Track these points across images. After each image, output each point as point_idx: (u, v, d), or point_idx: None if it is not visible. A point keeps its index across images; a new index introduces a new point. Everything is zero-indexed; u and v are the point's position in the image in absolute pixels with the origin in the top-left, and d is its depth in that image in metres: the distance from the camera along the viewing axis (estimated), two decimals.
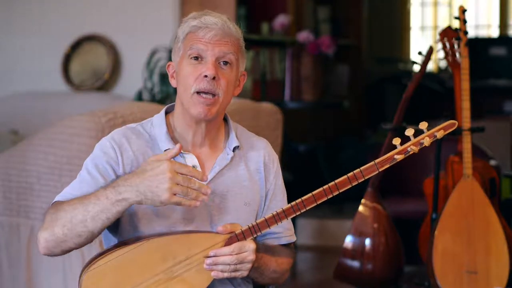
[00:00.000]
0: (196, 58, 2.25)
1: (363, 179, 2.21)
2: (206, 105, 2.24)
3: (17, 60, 5.66)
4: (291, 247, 2.43)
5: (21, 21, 5.64)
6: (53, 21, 5.59)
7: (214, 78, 2.23)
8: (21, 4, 5.64)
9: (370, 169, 2.21)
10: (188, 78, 2.25)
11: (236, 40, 2.28)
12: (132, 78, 5.42)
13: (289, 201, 2.41)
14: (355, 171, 2.21)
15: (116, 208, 2.11)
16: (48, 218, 2.17)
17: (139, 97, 5.21)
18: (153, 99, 5.15)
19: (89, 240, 2.16)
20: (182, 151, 2.29)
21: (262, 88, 6.04)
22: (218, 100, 2.26)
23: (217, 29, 2.24)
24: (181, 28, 2.29)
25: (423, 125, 2.24)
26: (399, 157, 2.22)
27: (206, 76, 2.23)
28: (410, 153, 2.22)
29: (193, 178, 2.12)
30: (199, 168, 2.29)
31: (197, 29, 2.25)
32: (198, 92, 2.24)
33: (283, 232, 2.38)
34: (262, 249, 2.27)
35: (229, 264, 2.17)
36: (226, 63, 2.26)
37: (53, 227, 2.14)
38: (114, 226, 2.26)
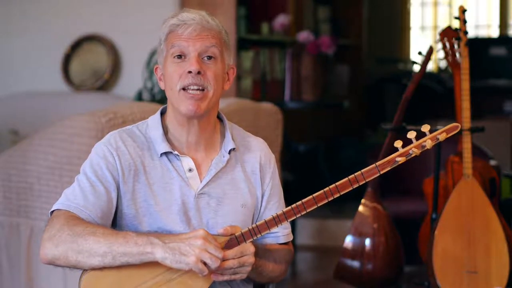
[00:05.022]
0: (180, 56, 2.24)
1: (364, 182, 2.21)
2: (195, 100, 2.22)
3: (17, 60, 5.66)
4: (289, 245, 2.42)
5: (21, 21, 5.64)
6: (53, 21, 5.59)
7: (199, 72, 2.22)
8: (21, 4, 5.64)
9: (371, 172, 2.21)
10: (172, 77, 2.24)
11: (217, 33, 2.26)
12: (132, 78, 5.42)
13: (287, 201, 2.41)
14: (356, 174, 2.20)
15: (140, 257, 2.11)
16: (62, 236, 2.13)
17: (139, 97, 5.20)
18: (153, 99, 5.15)
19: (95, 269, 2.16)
20: (178, 154, 2.28)
21: (262, 88, 6.04)
22: (208, 94, 2.24)
23: (195, 24, 2.23)
24: (161, 30, 2.28)
25: (425, 128, 2.23)
26: (400, 160, 2.21)
27: (190, 72, 2.22)
28: (412, 155, 2.21)
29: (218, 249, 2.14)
30: (195, 171, 2.28)
31: (176, 27, 2.24)
32: (184, 89, 2.23)
33: (281, 232, 2.37)
34: (260, 250, 2.27)
35: (231, 268, 2.17)
36: (210, 57, 2.24)
37: (67, 250, 2.12)
38: (115, 228, 2.25)
